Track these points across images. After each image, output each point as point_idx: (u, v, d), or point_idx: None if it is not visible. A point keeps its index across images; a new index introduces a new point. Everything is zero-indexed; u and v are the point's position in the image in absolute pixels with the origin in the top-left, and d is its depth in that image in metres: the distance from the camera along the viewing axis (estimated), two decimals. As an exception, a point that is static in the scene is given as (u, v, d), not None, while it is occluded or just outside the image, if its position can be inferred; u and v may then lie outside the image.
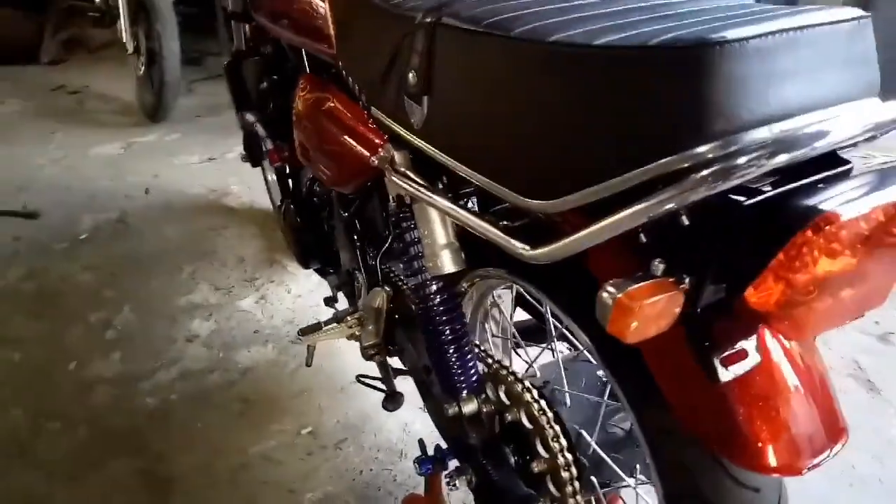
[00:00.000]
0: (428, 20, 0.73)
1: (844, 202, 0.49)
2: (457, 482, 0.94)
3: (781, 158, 0.48)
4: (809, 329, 0.54)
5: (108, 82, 4.21)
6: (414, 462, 1.01)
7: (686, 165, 0.51)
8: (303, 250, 1.52)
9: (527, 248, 0.65)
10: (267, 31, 1.41)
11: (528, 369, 1.04)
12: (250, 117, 1.62)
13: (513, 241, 0.66)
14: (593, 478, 0.92)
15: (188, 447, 1.58)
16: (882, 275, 0.55)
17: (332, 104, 1.07)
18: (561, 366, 0.95)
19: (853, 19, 0.56)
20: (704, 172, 0.49)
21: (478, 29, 0.67)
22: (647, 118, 0.53)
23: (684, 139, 0.51)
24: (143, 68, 3.43)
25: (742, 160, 0.49)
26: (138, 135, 3.46)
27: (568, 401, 0.95)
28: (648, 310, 0.52)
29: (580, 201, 0.59)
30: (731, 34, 0.50)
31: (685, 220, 0.54)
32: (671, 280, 0.54)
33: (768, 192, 0.54)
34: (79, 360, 1.89)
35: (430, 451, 1.05)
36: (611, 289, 0.53)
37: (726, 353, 0.58)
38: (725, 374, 0.58)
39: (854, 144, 0.55)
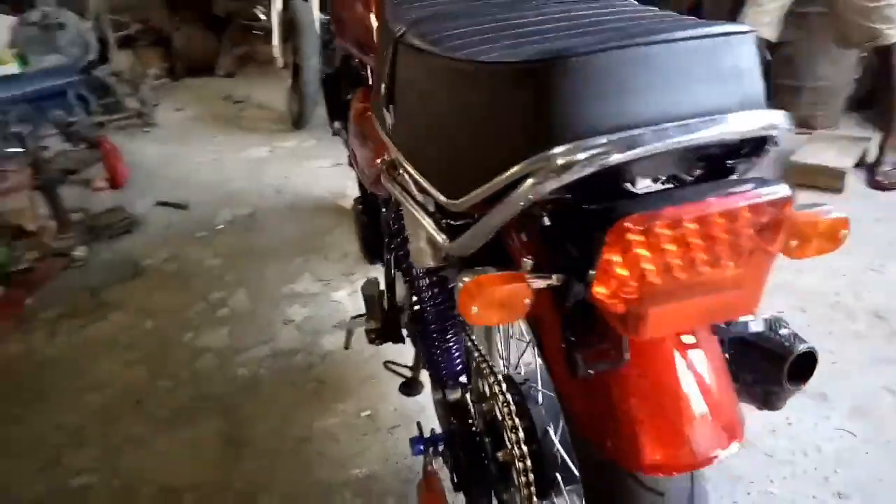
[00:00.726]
0: (396, 36, 0.83)
1: (667, 206, 0.52)
2: (432, 462, 1.02)
3: (606, 161, 0.53)
4: (650, 328, 0.56)
5: (267, 93, 4.70)
6: (409, 441, 1.10)
7: (534, 168, 0.56)
8: (366, 246, 1.67)
9: (447, 240, 0.73)
10: (348, 51, 1.57)
11: (516, 365, 1.09)
12: (338, 125, 1.81)
13: (437, 236, 0.74)
14: (559, 475, 0.95)
15: (264, 416, 1.79)
16: (734, 281, 0.56)
17: (367, 113, 1.19)
18: (537, 363, 1.00)
19: (728, 34, 0.58)
20: (530, 181, 0.55)
21: (420, 46, 0.75)
22: (513, 125, 0.59)
23: (537, 144, 0.57)
24: (290, 81, 3.81)
25: (563, 162, 0.53)
26: (282, 140, 3.86)
27: (540, 398, 0.99)
28: (488, 297, 0.58)
29: (472, 200, 0.65)
30: (582, 48, 0.55)
31: (546, 221, 0.59)
32: (523, 274, 0.60)
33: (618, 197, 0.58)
34: (195, 331, 2.18)
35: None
36: (465, 277, 0.59)
37: (590, 349, 0.61)
38: (583, 370, 0.61)
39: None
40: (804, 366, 0.87)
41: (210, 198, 3.16)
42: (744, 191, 0.54)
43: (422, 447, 1.10)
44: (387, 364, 1.36)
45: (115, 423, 1.82)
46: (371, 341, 1.31)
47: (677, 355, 0.66)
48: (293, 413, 1.79)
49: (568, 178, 0.54)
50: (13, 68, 2.96)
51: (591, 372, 0.61)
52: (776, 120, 0.58)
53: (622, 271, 0.53)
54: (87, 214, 2.95)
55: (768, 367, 0.91)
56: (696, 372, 0.66)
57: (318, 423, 1.75)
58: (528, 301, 0.60)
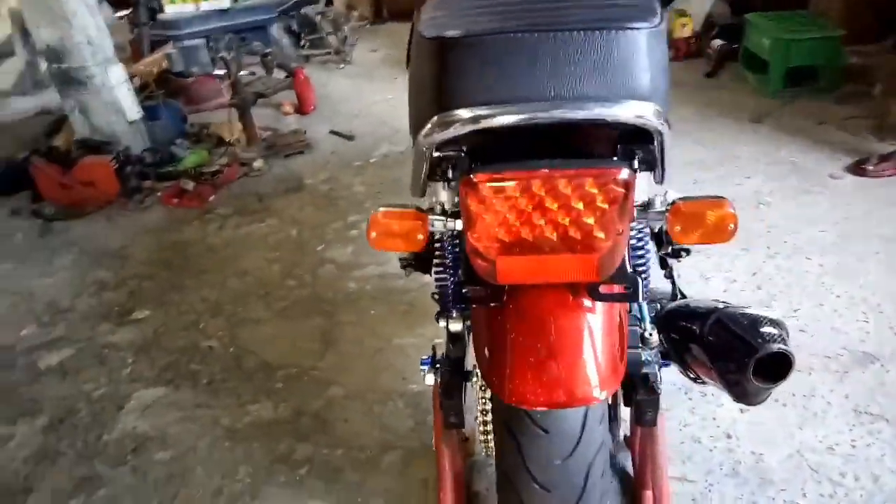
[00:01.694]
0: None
1: (510, 170, 0.63)
2: (425, 376, 1.18)
3: (463, 129, 0.64)
4: (500, 275, 0.67)
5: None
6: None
7: (430, 126, 0.69)
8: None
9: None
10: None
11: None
12: None
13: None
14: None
15: (356, 324, 2.06)
16: (576, 246, 0.65)
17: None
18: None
19: (625, 28, 0.65)
20: (424, 130, 0.68)
21: (415, 24, 0.88)
22: (431, 90, 0.72)
23: (438, 107, 0.69)
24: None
25: (438, 123, 0.66)
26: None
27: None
28: (386, 227, 0.72)
29: None
30: (475, 29, 0.66)
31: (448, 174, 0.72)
32: (425, 214, 0.73)
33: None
34: (327, 244, 2.52)
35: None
36: (380, 208, 0.74)
37: (474, 289, 0.74)
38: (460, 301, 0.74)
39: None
40: (780, 368, 0.91)
41: (374, 133, 3.49)
42: (585, 167, 0.63)
43: (427, 365, 1.26)
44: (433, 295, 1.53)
45: (243, 305, 2.21)
46: (403, 268, 1.48)
47: (557, 308, 0.75)
48: (380, 326, 2.04)
49: (440, 137, 0.66)
50: (225, 3, 3.46)
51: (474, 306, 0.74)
52: (642, 111, 0.64)
53: (472, 220, 0.65)
54: (272, 133, 3.43)
55: (737, 357, 0.96)
56: (574, 325, 0.75)
57: (397, 340, 1.98)
58: (420, 237, 0.73)
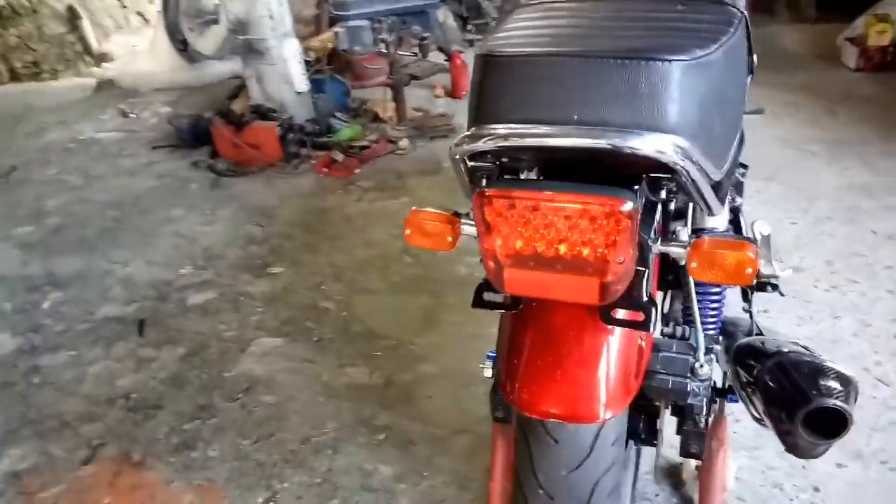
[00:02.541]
0: None
1: (518, 189, 0.66)
2: (485, 369, 1.24)
3: (483, 146, 0.68)
4: (506, 285, 0.70)
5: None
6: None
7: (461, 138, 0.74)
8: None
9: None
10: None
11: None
12: None
13: None
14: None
15: (458, 308, 2.15)
16: (576, 268, 0.67)
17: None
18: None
19: (650, 59, 0.65)
20: (457, 139, 0.73)
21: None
22: (471, 102, 0.77)
23: (473, 120, 0.74)
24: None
25: (466, 137, 0.70)
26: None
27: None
28: (419, 226, 0.78)
29: None
30: (513, 50, 0.70)
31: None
32: (457, 218, 0.78)
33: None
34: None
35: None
36: (415, 208, 0.80)
37: (490, 291, 0.78)
38: (480, 304, 0.78)
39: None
40: (836, 425, 0.88)
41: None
42: (590, 194, 0.64)
43: (492, 358, 1.31)
44: None
45: (363, 274, 2.38)
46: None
47: (571, 323, 0.77)
48: (480, 313, 2.11)
49: (469, 149, 0.71)
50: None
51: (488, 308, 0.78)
52: (660, 146, 0.64)
53: (482, 231, 0.70)
54: (422, 114, 3.59)
55: (789, 406, 0.93)
56: (585, 342, 0.77)
57: (492, 329, 2.04)
58: (450, 238, 0.78)
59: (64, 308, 2.37)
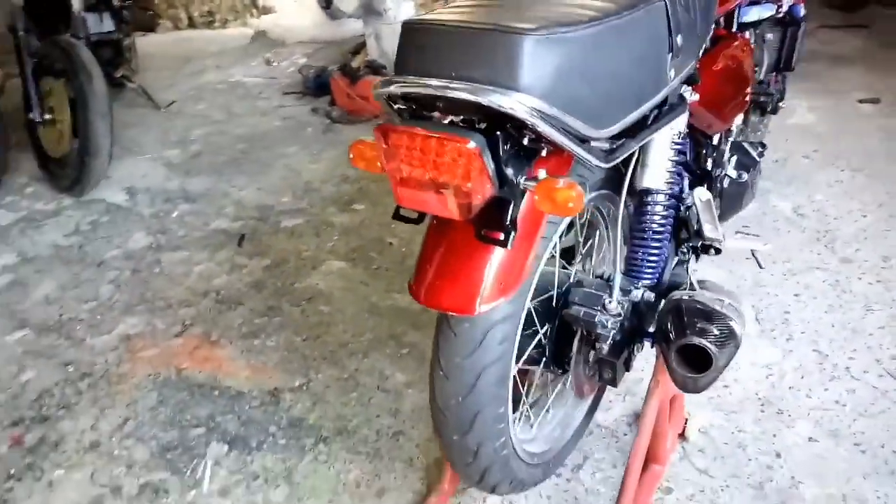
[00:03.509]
0: None
1: (399, 125, 0.88)
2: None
3: (390, 90, 0.90)
4: (397, 199, 0.93)
5: None
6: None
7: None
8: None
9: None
10: None
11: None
12: None
13: None
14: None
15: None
16: (439, 189, 0.88)
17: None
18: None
19: (509, 32, 0.83)
20: (376, 83, 0.96)
21: None
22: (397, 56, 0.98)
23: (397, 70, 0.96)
24: None
25: (390, 83, 0.92)
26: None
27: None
28: (360, 153, 1.01)
29: None
30: (423, 21, 0.91)
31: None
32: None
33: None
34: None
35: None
36: (360, 139, 1.04)
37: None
38: (397, 216, 1.01)
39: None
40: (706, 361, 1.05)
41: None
42: (448, 133, 0.85)
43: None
44: None
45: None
46: None
47: (458, 234, 0.99)
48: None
49: (380, 93, 0.93)
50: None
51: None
52: (506, 101, 0.83)
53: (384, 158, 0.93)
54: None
55: (668, 342, 1.11)
56: (467, 251, 0.98)
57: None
58: (379, 164, 1.02)
59: (188, 218, 2.86)
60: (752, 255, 1.70)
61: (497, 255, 0.98)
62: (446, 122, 0.94)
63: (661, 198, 1.25)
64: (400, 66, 0.93)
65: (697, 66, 1.29)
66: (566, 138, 0.90)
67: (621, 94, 0.99)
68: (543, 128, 0.86)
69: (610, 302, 1.19)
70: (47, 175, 3.18)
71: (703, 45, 1.28)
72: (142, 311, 2.28)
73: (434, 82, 0.88)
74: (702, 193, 1.35)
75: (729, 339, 1.08)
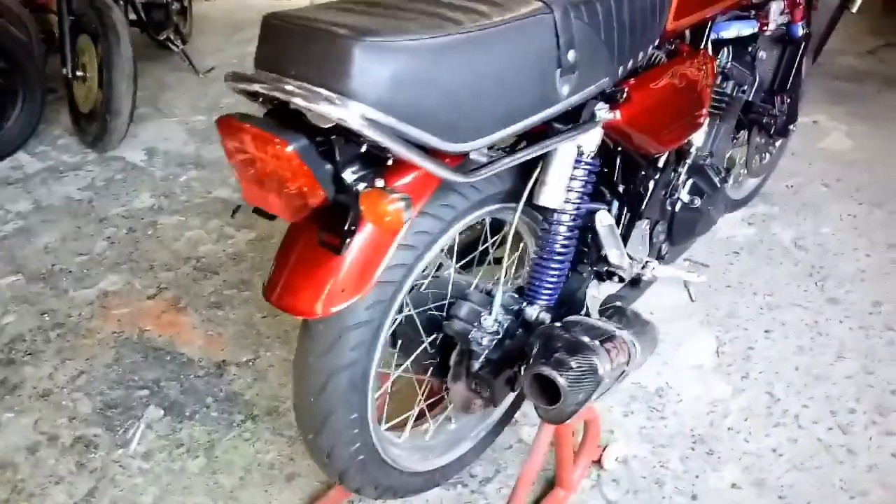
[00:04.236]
0: None
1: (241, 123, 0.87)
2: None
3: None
4: (244, 194, 0.93)
5: None
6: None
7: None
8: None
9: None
10: None
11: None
12: None
13: None
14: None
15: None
16: (272, 189, 0.87)
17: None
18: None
19: (343, 37, 0.81)
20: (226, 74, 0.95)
21: None
22: None
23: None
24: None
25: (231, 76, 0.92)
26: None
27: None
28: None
29: None
30: (276, 18, 0.90)
31: None
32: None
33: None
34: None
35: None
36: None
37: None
38: (257, 210, 1.00)
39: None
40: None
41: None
42: (271, 132, 0.84)
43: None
44: None
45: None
46: None
47: (304, 237, 0.98)
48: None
49: (228, 85, 0.93)
50: None
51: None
52: (333, 109, 0.81)
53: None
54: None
55: (523, 368, 1.08)
56: (312, 256, 0.97)
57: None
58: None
59: (193, 183, 2.95)
60: (685, 286, 1.62)
61: (339, 260, 0.96)
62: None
63: (565, 217, 1.20)
64: (255, 59, 0.93)
65: (623, 83, 1.22)
66: (405, 149, 0.87)
67: (486, 109, 0.95)
68: (375, 136, 0.84)
69: (486, 318, 1.16)
70: (77, 129, 3.34)
71: (634, 62, 1.21)
72: (125, 269, 2.38)
73: (265, 80, 0.87)
74: (603, 217, 1.29)
75: (588, 374, 1.03)
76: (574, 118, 1.16)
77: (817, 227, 2.40)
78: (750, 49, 1.73)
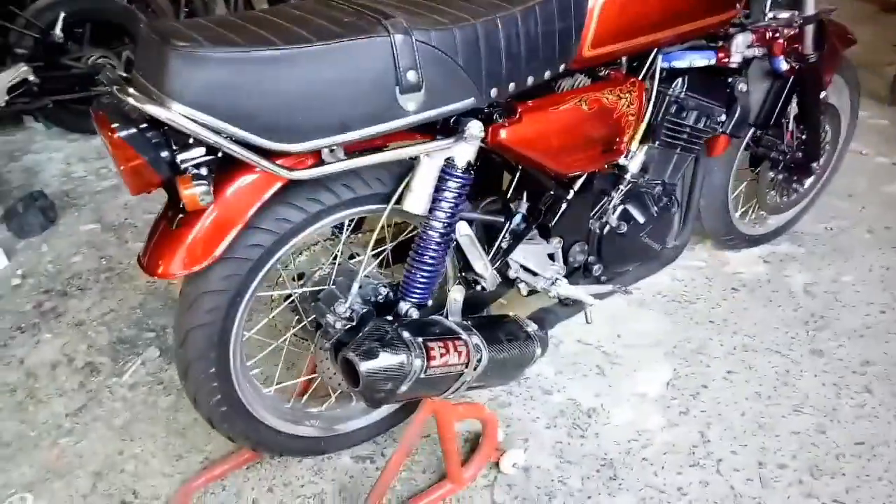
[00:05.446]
0: None
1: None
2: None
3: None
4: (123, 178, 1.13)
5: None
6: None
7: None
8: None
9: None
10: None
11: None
12: None
13: None
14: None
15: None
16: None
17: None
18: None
19: (167, 45, 0.98)
20: None
21: None
22: None
23: None
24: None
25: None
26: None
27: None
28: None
29: None
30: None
31: None
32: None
33: None
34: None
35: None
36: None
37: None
38: None
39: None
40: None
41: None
42: (108, 119, 1.03)
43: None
44: None
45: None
46: None
47: (171, 211, 1.16)
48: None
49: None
50: None
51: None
52: (152, 108, 0.97)
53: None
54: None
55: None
56: (175, 232, 1.15)
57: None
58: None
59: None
60: (584, 311, 1.60)
61: (184, 233, 1.14)
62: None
63: (436, 224, 1.29)
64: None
65: (517, 104, 1.29)
66: (218, 140, 1.02)
67: (314, 116, 1.07)
68: (190, 129, 1.00)
69: (341, 305, 1.28)
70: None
71: (520, 86, 1.26)
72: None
73: (110, 78, 1.06)
74: (462, 228, 1.35)
75: (395, 366, 1.13)
76: (449, 132, 1.25)
77: (839, 274, 2.22)
78: (731, 80, 1.68)
